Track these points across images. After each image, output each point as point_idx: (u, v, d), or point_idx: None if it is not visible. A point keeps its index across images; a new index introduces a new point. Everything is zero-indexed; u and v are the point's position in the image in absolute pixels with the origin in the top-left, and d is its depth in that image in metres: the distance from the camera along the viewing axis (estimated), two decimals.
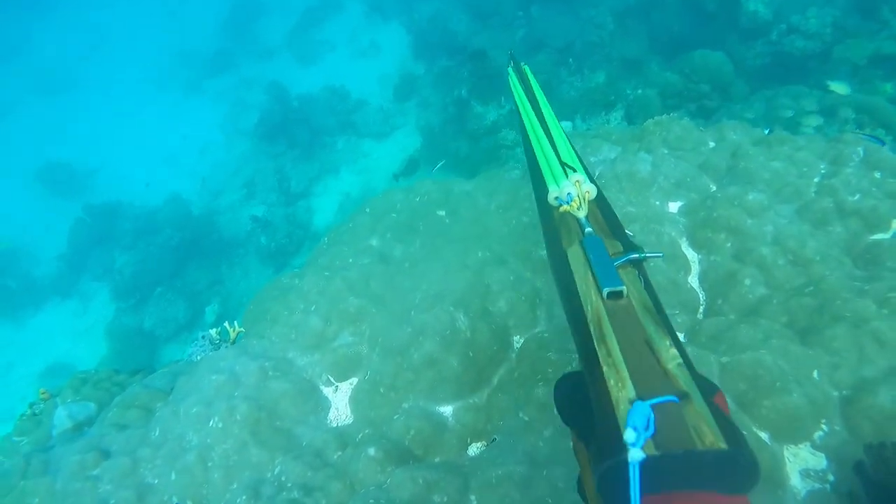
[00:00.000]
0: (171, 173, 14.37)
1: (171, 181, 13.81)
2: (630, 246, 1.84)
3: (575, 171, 2.25)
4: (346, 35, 16.00)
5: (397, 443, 2.59)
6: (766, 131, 4.33)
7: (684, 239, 3.49)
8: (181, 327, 10.57)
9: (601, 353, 1.43)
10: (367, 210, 4.57)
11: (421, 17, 13.73)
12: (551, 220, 2.22)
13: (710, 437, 1.14)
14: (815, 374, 2.53)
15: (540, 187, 2.45)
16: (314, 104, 13.69)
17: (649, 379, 1.31)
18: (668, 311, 2.79)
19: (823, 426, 2.40)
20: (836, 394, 2.49)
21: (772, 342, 2.59)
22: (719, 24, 8.97)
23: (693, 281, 3.29)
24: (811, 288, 2.87)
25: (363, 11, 16.22)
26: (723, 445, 1.13)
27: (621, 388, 1.30)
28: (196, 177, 13.72)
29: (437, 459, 2.61)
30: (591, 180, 2.25)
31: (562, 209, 2.11)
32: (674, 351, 1.40)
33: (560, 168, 2.32)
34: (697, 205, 3.61)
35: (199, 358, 4.15)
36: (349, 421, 2.92)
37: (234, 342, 4.20)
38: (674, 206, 3.78)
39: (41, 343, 11.71)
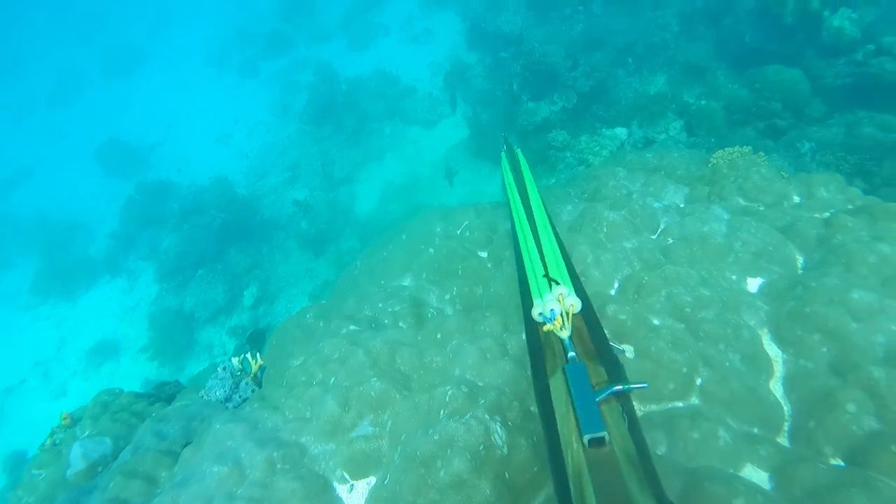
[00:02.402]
0: (220, 154, 14.20)
1: (219, 162, 13.64)
2: (614, 372, 1.73)
3: (559, 283, 2.07)
4: (400, 20, 15.36)
5: None
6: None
7: (766, 331, 2.85)
8: (220, 310, 10.43)
9: None
10: (404, 237, 4.12)
11: (477, 5, 12.92)
12: (536, 338, 2.06)
13: None
14: None
15: (526, 298, 2.28)
16: (363, 88, 13.21)
17: None
18: (743, 429, 2.32)
19: None
20: None
21: None
22: (796, 39, 7.96)
23: (776, 387, 2.66)
24: None
25: None
26: None
27: None
28: (244, 158, 13.47)
29: None
30: (578, 292, 2.09)
31: (544, 328, 1.97)
32: None
33: (545, 280, 2.16)
34: (784, 289, 2.95)
35: (218, 395, 3.82)
36: None
37: (255, 376, 3.87)
38: (753, 284, 3.12)
39: (91, 319, 11.82)
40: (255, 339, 6.63)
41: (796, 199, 3.69)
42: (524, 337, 2.31)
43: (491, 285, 3.36)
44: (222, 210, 11.26)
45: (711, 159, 4.22)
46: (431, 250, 3.85)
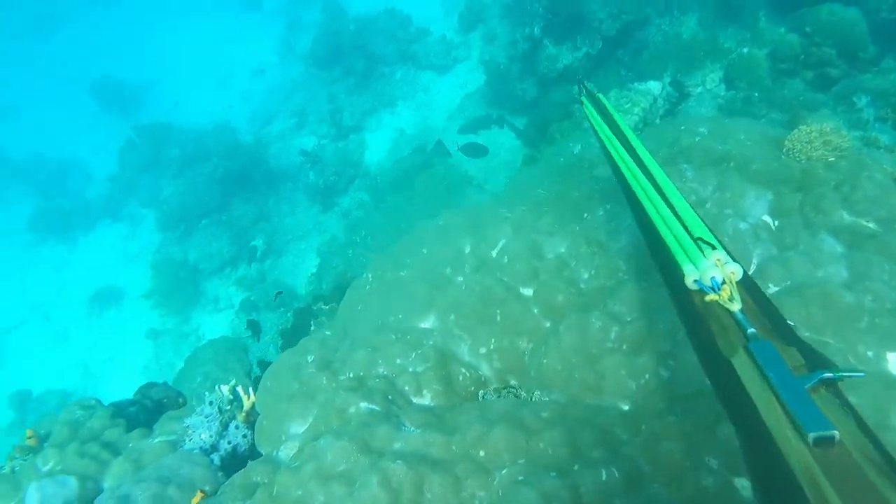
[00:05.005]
0: (222, 96, 13.34)
1: (222, 104, 12.81)
2: (811, 355, 1.27)
3: (714, 247, 1.60)
4: None
5: None
6: None
7: None
8: (225, 262, 9.97)
9: None
10: (425, 251, 3.37)
11: None
12: (691, 308, 1.61)
13: None
14: None
15: (664, 259, 1.80)
16: (373, 29, 12.18)
17: None
18: None
19: None
20: None
21: None
22: None
23: None
24: None
25: None
26: None
27: None
28: (247, 101, 12.64)
29: None
30: (731, 256, 1.60)
31: (707, 298, 1.51)
32: None
33: (691, 242, 1.68)
34: None
35: (203, 439, 3.13)
36: None
37: (246, 415, 3.28)
38: (893, 361, 2.17)
39: (92, 264, 11.38)
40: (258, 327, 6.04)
41: None
42: (676, 314, 1.84)
43: (543, 348, 2.64)
44: (225, 158, 10.58)
45: (787, 143, 3.45)
46: (460, 279, 3.10)
